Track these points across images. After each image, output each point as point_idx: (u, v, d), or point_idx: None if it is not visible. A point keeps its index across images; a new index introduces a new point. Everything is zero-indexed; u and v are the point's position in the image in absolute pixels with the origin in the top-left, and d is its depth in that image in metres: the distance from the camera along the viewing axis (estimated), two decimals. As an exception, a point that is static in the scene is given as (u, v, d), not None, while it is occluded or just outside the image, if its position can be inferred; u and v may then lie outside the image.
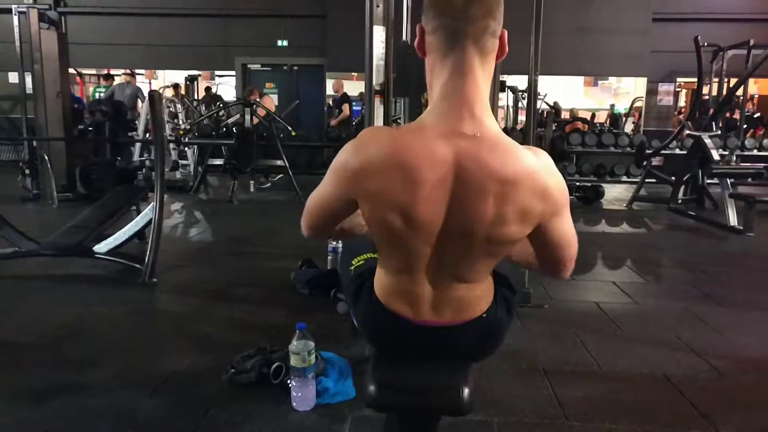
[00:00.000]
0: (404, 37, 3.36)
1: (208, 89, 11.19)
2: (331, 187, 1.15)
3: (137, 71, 11.33)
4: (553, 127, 7.56)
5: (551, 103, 9.07)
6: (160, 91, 9.63)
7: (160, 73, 12.99)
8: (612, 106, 11.12)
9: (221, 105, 8.85)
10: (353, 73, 11.05)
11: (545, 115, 7.64)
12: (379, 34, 2.72)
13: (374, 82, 2.78)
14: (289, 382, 1.97)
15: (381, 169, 1.07)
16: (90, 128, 6.38)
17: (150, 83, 12.79)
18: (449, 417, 1.39)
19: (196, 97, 10.55)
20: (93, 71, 11.89)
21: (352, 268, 1.44)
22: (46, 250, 3.44)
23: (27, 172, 6.17)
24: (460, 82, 1.09)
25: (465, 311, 1.24)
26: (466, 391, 1.20)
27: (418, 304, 1.22)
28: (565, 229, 1.16)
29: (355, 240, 1.59)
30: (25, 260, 3.52)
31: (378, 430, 1.79)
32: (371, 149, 1.08)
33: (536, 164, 1.08)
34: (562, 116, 9.43)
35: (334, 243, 3.27)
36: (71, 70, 7.15)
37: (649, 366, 2.35)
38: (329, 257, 3.30)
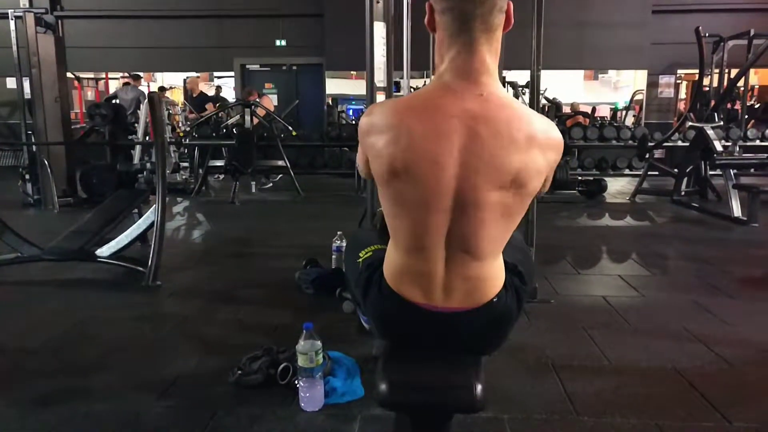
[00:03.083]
0: (405, 33, 3.33)
1: (218, 89, 11.27)
2: (359, 148, 1.29)
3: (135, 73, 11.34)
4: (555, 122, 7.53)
5: (551, 98, 9.03)
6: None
7: (158, 75, 12.98)
8: (614, 106, 11.08)
9: (220, 106, 8.83)
10: (352, 72, 11.02)
11: (546, 109, 7.63)
12: (379, 30, 2.70)
13: (376, 80, 2.76)
14: (296, 382, 1.95)
15: (381, 128, 1.17)
16: (95, 128, 6.32)
17: (148, 86, 12.77)
18: (459, 414, 1.37)
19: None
20: (91, 75, 11.89)
21: (360, 260, 1.44)
22: (49, 255, 3.43)
23: (27, 177, 6.14)
24: (466, 58, 1.15)
25: (476, 295, 1.24)
26: (479, 387, 1.19)
27: (429, 287, 1.23)
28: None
29: (358, 234, 1.65)
30: (28, 266, 3.51)
31: (388, 429, 1.78)
32: (376, 112, 1.20)
33: (545, 121, 1.18)
34: (563, 110, 9.39)
35: (338, 242, 3.26)
36: (69, 74, 7.12)
37: (659, 359, 2.33)
38: (333, 257, 3.29)
